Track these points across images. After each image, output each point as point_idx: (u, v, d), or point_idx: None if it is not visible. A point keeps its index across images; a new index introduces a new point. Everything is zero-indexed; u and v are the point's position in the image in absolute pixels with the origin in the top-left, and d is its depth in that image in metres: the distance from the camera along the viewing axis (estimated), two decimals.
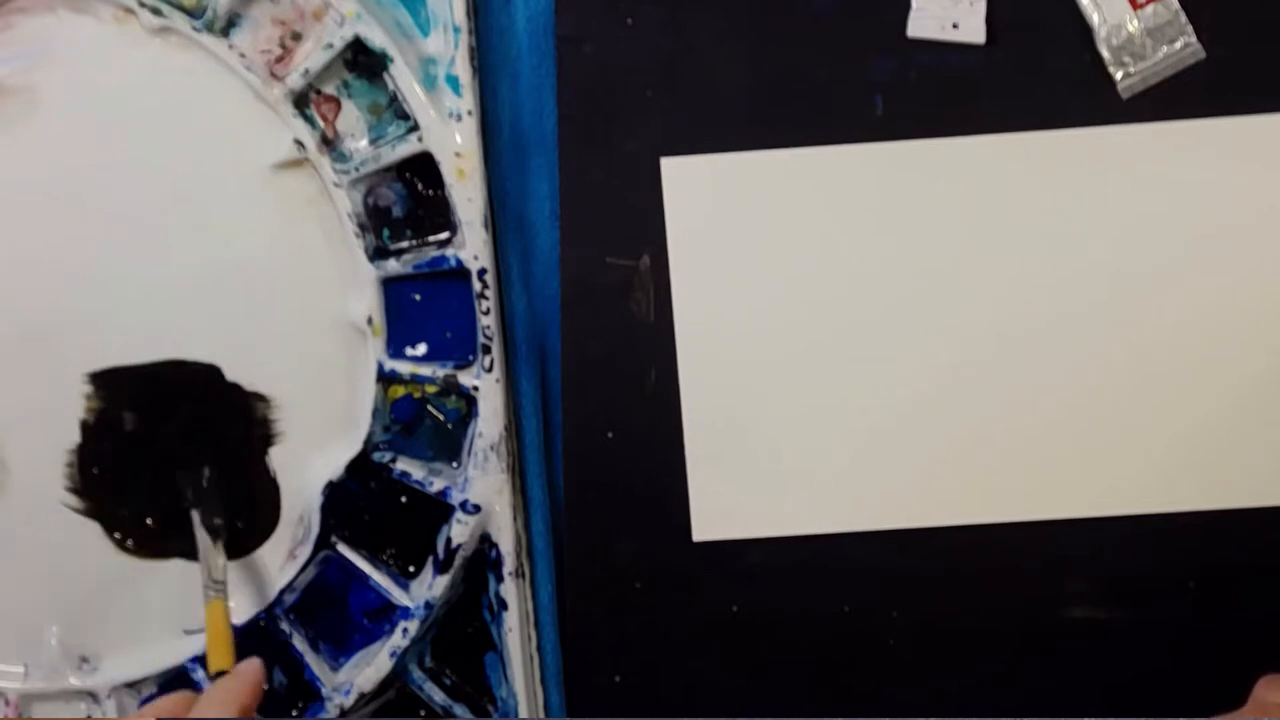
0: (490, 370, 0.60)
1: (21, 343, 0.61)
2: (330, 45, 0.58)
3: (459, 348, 0.60)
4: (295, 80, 0.59)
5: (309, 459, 0.61)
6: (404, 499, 0.61)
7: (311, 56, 0.59)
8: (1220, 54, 0.57)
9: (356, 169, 0.59)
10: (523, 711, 0.61)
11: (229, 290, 0.61)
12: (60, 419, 0.61)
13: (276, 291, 0.61)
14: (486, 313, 0.59)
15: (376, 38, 0.58)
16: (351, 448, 0.60)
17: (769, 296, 0.60)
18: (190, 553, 0.61)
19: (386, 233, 0.60)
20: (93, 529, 0.62)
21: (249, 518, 0.62)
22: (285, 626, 0.62)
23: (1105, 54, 0.57)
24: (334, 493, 0.61)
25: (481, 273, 0.59)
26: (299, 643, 0.62)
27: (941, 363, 0.59)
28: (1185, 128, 0.58)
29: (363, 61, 0.59)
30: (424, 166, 0.59)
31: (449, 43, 0.59)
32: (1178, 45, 0.57)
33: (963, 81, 0.58)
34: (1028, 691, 0.60)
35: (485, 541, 0.61)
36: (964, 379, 0.59)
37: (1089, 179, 0.58)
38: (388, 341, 0.60)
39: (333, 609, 0.62)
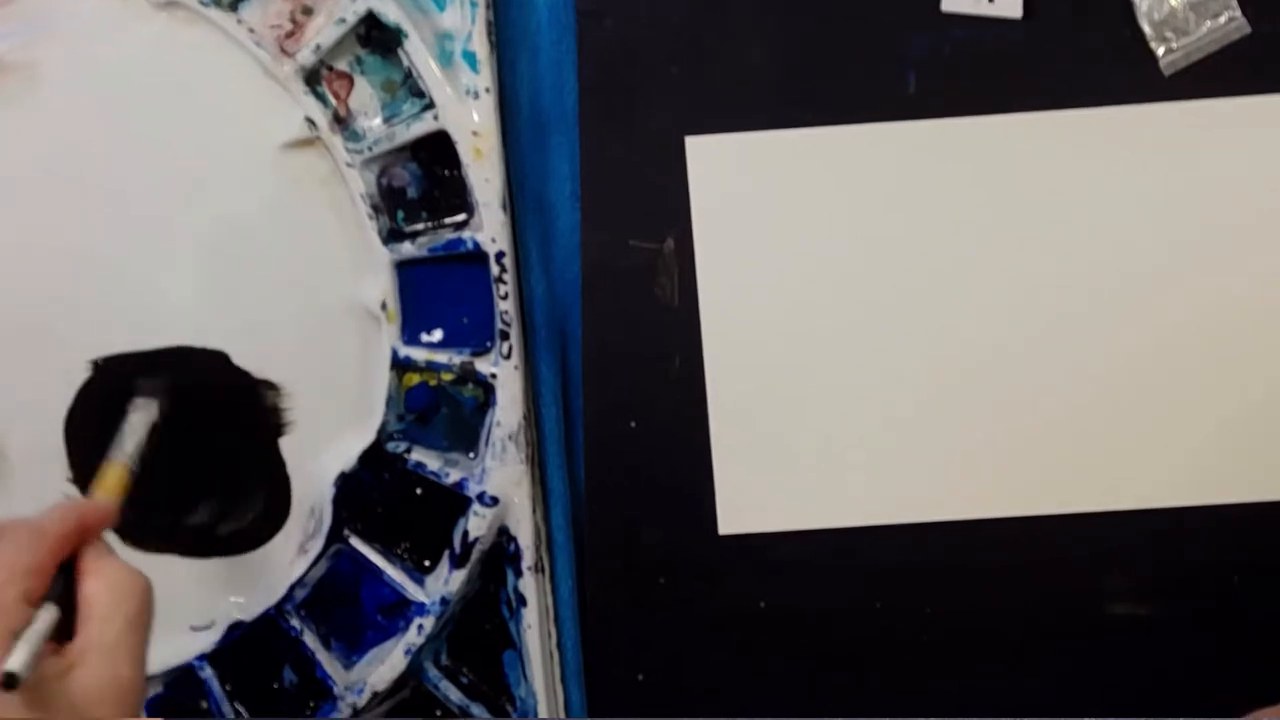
0: (508, 357, 0.59)
1: (22, 328, 0.61)
2: (343, 20, 0.58)
3: (476, 334, 0.60)
4: (306, 56, 0.58)
5: (320, 449, 0.61)
6: (419, 491, 0.61)
7: (323, 32, 0.58)
8: (1266, 29, 0.56)
9: (370, 148, 0.58)
10: (542, 711, 0.60)
11: (237, 274, 0.60)
12: (62, 408, 0.61)
13: (286, 275, 0.60)
14: (505, 297, 0.58)
15: (390, 12, 0.57)
16: (365, 437, 0.60)
17: (797, 281, 0.59)
18: (193, 548, 0.61)
19: (401, 214, 0.60)
20: None
21: (258, 510, 0.61)
22: (296, 623, 0.61)
23: (1146, 29, 0.56)
24: (346, 484, 0.60)
25: (499, 256, 0.58)
26: (310, 640, 0.61)
27: (976, 349, 0.58)
28: (1230, 105, 0.57)
29: (376, 37, 0.59)
30: (440, 146, 0.59)
31: (466, 17, 0.58)
32: (1222, 20, 0.56)
33: (999, 57, 0.57)
34: (1065, 691, 0.59)
35: (503, 535, 0.60)
36: (999, 366, 0.58)
37: (1130, 158, 0.57)
38: (402, 327, 0.59)
39: (345, 605, 0.62)
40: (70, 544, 0.46)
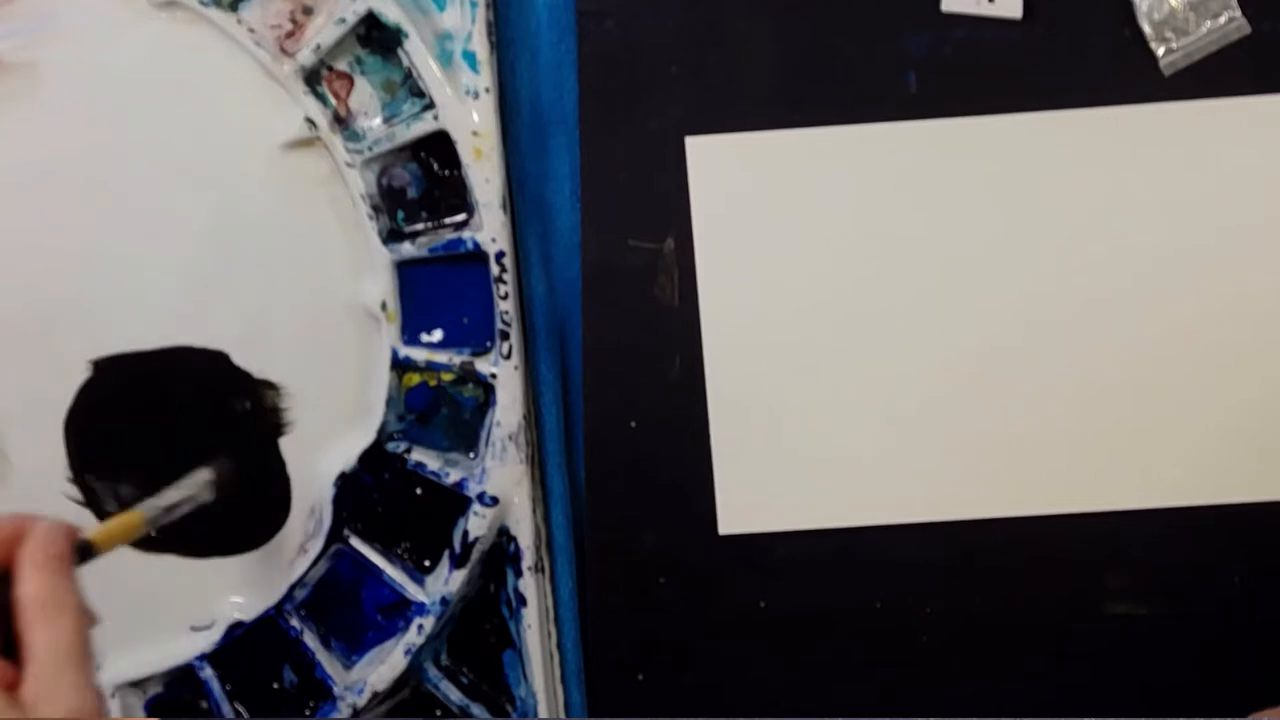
0: (509, 357, 0.58)
1: (22, 328, 0.60)
2: (343, 20, 0.57)
3: (476, 334, 0.59)
4: (306, 56, 0.58)
5: (320, 449, 0.60)
6: (419, 491, 0.60)
7: (323, 32, 0.58)
8: (1266, 29, 0.56)
9: (370, 148, 0.58)
10: (542, 711, 0.60)
11: (237, 274, 0.60)
12: (62, 408, 0.60)
13: (287, 275, 0.60)
14: (505, 297, 0.58)
15: (391, 12, 0.57)
16: (365, 437, 0.59)
17: (797, 281, 0.58)
18: (193, 548, 0.61)
19: (401, 214, 0.59)
20: (94, 522, 0.61)
21: (258, 510, 0.61)
22: (296, 623, 0.61)
23: (1146, 29, 0.56)
24: (346, 484, 0.60)
25: (499, 256, 0.58)
26: (310, 640, 0.61)
27: (976, 350, 0.58)
28: (1230, 105, 0.56)
29: (376, 37, 0.58)
30: (440, 146, 0.58)
31: (466, 17, 0.58)
32: (1222, 20, 0.56)
33: (999, 57, 0.57)
34: (1065, 690, 0.58)
35: (503, 535, 0.60)
36: (999, 367, 0.58)
37: (1130, 158, 0.57)
38: (402, 327, 0.59)
39: (345, 605, 0.61)
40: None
